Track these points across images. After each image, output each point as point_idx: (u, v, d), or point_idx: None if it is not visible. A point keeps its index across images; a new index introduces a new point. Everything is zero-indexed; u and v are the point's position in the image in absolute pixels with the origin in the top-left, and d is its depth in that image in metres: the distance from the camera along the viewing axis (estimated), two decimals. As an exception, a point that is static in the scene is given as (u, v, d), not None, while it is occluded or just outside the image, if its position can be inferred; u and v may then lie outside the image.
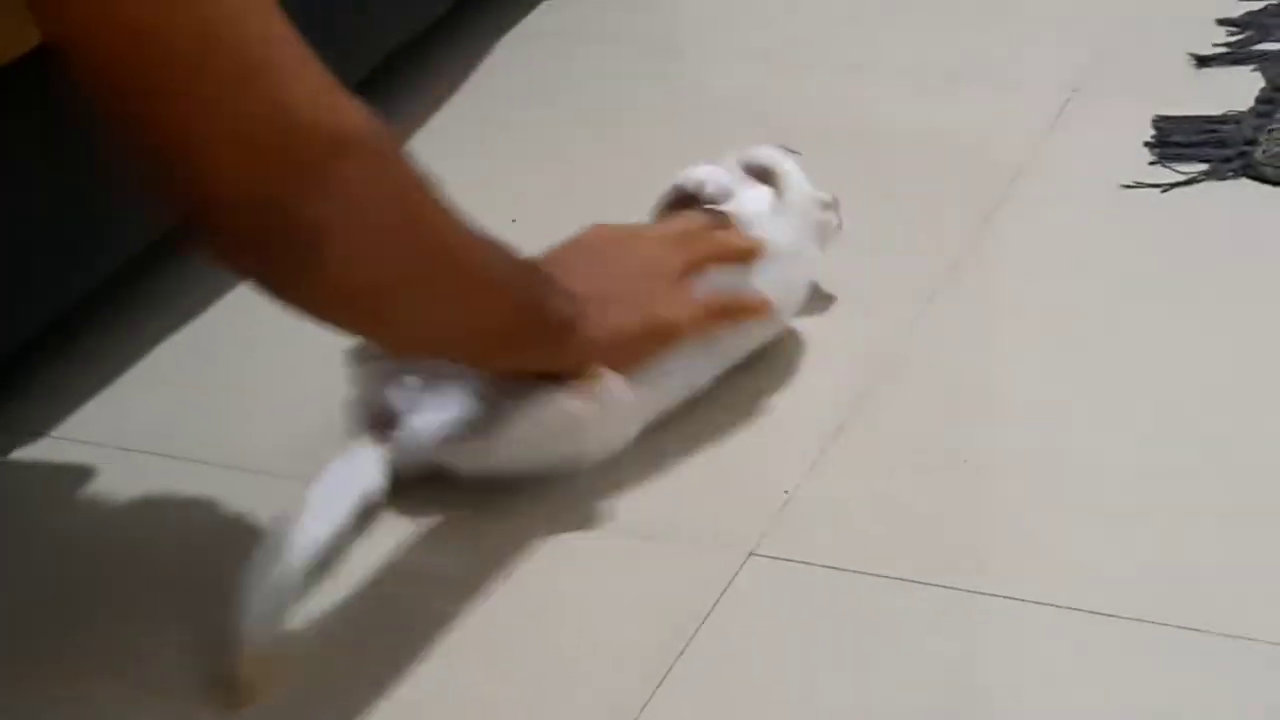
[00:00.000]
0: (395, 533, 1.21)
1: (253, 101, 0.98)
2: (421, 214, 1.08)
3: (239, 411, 1.28)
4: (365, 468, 1.20)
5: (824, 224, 1.37)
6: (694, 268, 1.27)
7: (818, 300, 1.40)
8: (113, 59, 0.96)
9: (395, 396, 1.23)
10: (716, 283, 1.28)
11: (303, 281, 1.04)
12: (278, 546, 1.13)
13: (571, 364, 1.20)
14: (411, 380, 1.23)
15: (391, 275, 1.06)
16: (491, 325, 1.15)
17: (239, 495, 1.24)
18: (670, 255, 1.28)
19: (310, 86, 1.01)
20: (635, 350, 1.23)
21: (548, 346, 1.19)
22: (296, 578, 1.12)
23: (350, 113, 1.02)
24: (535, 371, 1.20)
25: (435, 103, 1.74)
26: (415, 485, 1.23)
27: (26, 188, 1.28)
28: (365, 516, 1.19)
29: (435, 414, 1.22)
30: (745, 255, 1.30)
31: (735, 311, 1.29)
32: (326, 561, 1.16)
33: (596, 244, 1.29)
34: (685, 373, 1.28)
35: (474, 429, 1.21)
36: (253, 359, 1.39)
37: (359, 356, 1.22)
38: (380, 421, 1.22)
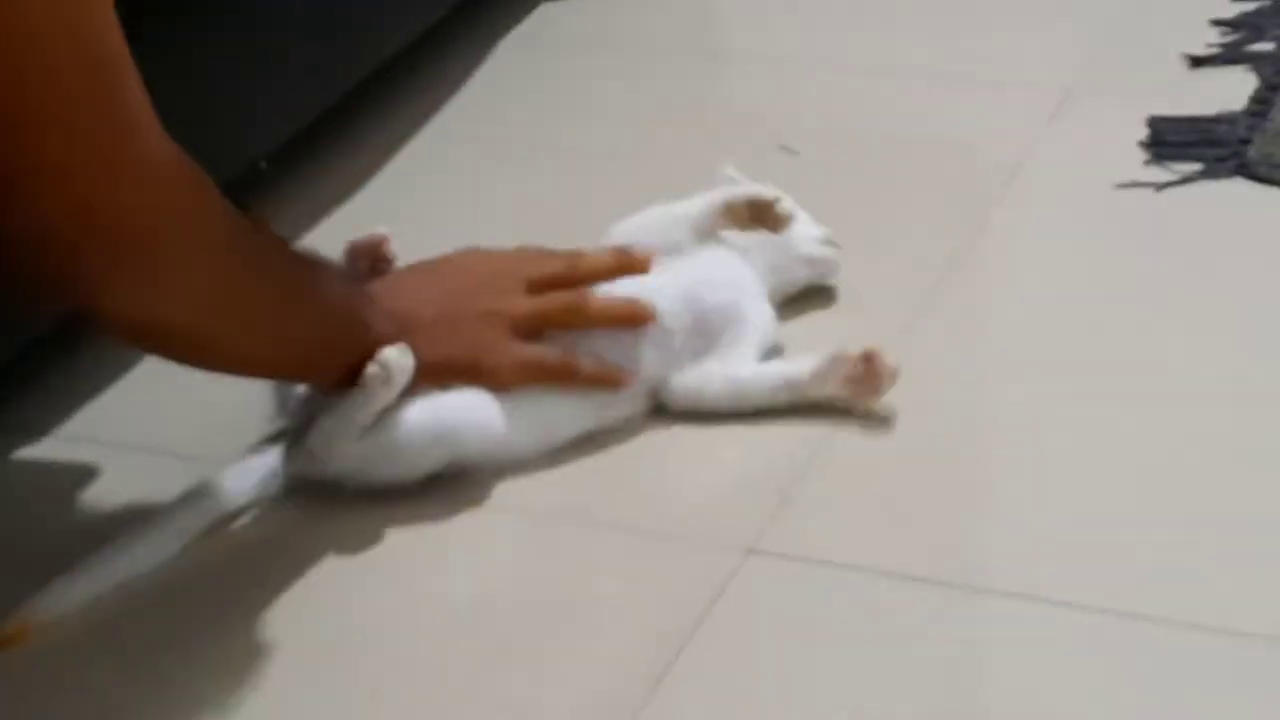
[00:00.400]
0: (389, 531, 1.22)
1: (92, 143, 0.98)
2: (234, 251, 1.09)
3: (239, 411, 1.28)
4: (244, 477, 1.22)
5: (824, 260, 1.39)
6: (540, 318, 1.25)
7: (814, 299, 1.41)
8: None
9: (302, 405, 1.24)
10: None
11: (100, 316, 1.06)
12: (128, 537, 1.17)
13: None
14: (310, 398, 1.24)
15: (188, 311, 1.08)
16: (303, 349, 1.16)
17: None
18: (514, 275, 1.26)
19: (146, 139, 1.01)
20: (450, 381, 1.21)
21: (358, 366, 1.19)
22: (115, 569, 1.16)
23: (176, 162, 1.03)
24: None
25: (436, 104, 1.74)
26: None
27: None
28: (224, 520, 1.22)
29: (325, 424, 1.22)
30: (618, 318, 1.27)
31: (564, 376, 1.25)
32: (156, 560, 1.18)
33: (445, 265, 1.29)
34: (540, 417, 1.26)
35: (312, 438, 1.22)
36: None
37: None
38: (293, 428, 1.24)
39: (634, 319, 1.27)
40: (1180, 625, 1.11)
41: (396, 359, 1.18)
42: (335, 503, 1.23)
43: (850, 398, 1.27)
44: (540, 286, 1.27)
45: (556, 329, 1.26)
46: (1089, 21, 1.81)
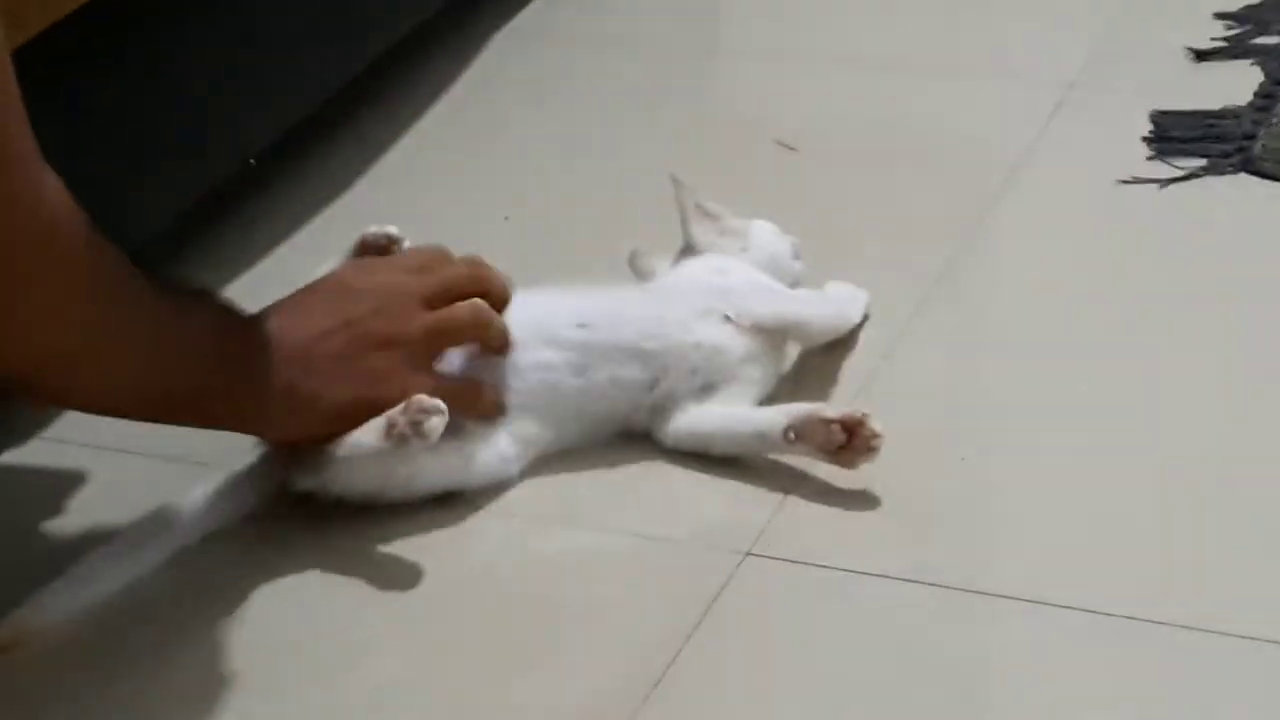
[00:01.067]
0: (381, 536, 1.21)
1: None
2: (99, 282, 1.07)
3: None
4: (224, 493, 1.20)
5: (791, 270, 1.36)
6: (441, 335, 1.22)
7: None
8: None
9: None
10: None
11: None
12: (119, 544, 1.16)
13: (285, 430, 1.18)
14: None
15: (60, 349, 1.07)
16: (178, 385, 1.14)
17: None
18: (411, 285, 1.22)
19: (14, 176, 1.01)
20: (353, 420, 1.18)
21: (249, 410, 1.17)
22: (109, 578, 1.15)
23: (44, 198, 1.02)
24: (267, 435, 1.20)
25: (429, 99, 1.73)
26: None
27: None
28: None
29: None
30: (488, 336, 1.23)
31: (460, 405, 1.20)
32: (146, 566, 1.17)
33: (338, 284, 1.24)
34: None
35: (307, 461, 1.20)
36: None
37: None
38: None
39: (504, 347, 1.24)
40: (1183, 629, 1.10)
41: (438, 427, 1.15)
42: (324, 508, 1.21)
43: (827, 460, 1.22)
44: (442, 298, 1.23)
45: (459, 343, 1.23)
46: (1092, 15, 1.81)
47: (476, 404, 1.22)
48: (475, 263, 1.26)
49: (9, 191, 1.01)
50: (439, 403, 1.15)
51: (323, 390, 1.17)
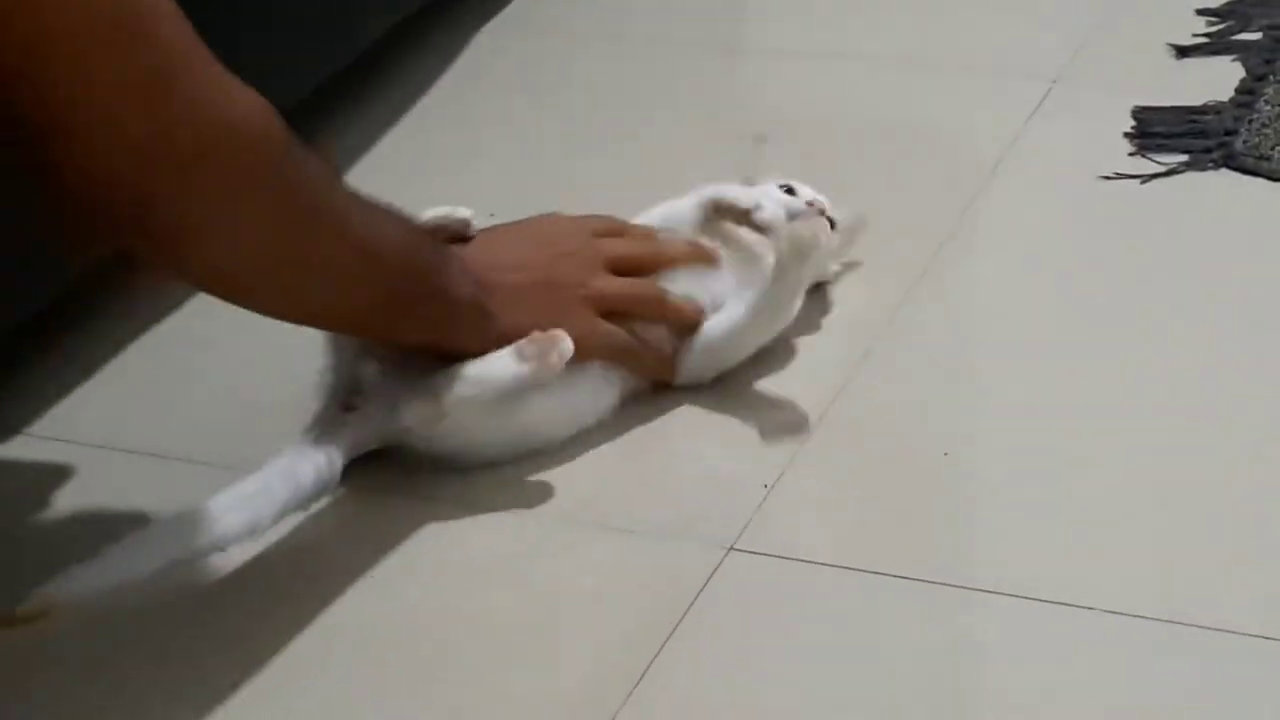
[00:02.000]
0: (367, 533, 1.21)
1: (135, 90, 0.98)
2: (297, 198, 1.08)
3: (210, 409, 1.28)
4: (296, 470, 1.19)
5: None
6: (621, 301, 1.26)
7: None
8: None
9: (364, 371, 1.23)
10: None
11: (173, 265, 1.06)
12: (154, 531, 1.15)
13: (472, 343, 1.20)
14: (381, 357, 1.22)
15: (263, 260, 1.07)
16: (377, 299, 1.15)
17: (210, 491, 1.22)
18: (596, 251, 1.27)
19: (196, 80, 1.01)
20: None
21: (442, 321, 1.19)
22: (143, 564, 1.13)
23: (235, 104, 1.03)
24: (436, 348, 1.20)
25: (416, 92, 1.73)
26: (385, 476, 1.23)
27: (3, 190, 1.27)
28: (289, 509, 1.19)
29: (397, 389, 1.22)
30: (673, 314, 1.28)
31: (639, 362, 1.27)
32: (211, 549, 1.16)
33: (527, 230, 1.29)
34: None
35: (428, 393, 1.21)
36: (223, 357, 1.38)
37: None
38: (347, 394, 1.23)
39: (694, 325, 1.29)
40: (1166, 622, 1.10)
41: (567, 352, 1.19)
42: (310, 506, 1.22)
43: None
44: (620, 266, 1.28)
45: (632, 316, 1.27)
46: (1075, 11, 1.81)
47: (647, 362, 1.27)
48: (652, 236, 1.31)
49: (190, 96, 1.00)
50: (563, 334, 1.19)
51: (504, 313, 1.20)
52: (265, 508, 1.17)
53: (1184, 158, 1.56)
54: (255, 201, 1.05)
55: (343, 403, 1.23)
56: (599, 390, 1.27)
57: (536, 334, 1.20)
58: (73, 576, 1.12)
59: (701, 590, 1.15)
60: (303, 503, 1.19)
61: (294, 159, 1.07)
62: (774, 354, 1.34)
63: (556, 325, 1.21)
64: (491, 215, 1.41)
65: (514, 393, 1.21)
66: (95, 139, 0.99)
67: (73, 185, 1.01)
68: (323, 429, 1.22)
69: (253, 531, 1.16)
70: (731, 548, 1.18)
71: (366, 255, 1.14)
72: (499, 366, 1.20)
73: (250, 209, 1.05)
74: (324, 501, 1.22)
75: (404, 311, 1.18)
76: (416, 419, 1.21)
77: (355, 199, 1.14)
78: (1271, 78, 1.66)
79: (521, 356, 1.20)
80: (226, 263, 1.06)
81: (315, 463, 1.19)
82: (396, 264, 1.16)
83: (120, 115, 0.98)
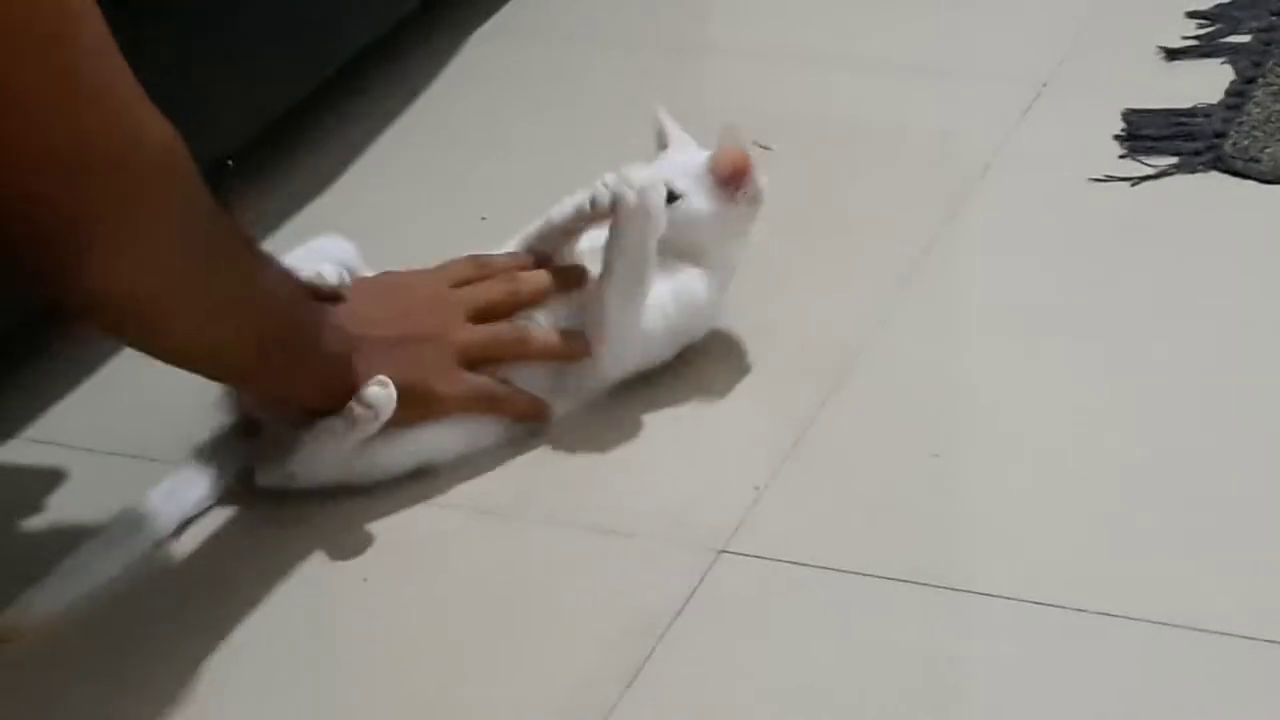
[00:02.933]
0: (352, 533, 1.21)
1: (59, 92, 0.99)
2: (196, 228, 1.09)
3: (200, 414, 1.28)
4: (193, 484, 1.23)
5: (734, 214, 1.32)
6: (486, 349, 1.26)
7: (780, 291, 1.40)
8: None
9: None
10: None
11: (68, 283, 1.05)
12: (106, 538, 1.18)
13: (338, 399, 1.20)
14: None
15: (160, 282, 1.08)
16: (252, 345, 1.16)
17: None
18: (457, 302, 1.27)
19: (119, 95, 1.02)
20: (399, 408, 1.21)
21: (312, 375, 1.20)
22: (95, 572, 1.17)
23: (152, 125, 1.04)
24: (302, 404, 1.21)
25: (406, 100, 1.73)
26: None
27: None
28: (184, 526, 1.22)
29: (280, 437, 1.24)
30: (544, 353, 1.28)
31: (505, 408, 1.27)
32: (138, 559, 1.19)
33: (388, 287, 1.29)
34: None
35: (277, 460, 1.23)
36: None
37: None
38: (246, 425, 1.26)
39: (571, 355, 1.28)
40: (1157, 624, 1.10)
41: (383, 398, 1.19)
42: (295, 505, 1.22)
43: None
44: (482, 314, 1.28)
45: (499, 362, 1.27)
46: (1064, 14, 1.81)
47: (515, 410, 1.27)
48: (511, 278, 1.30)
49: (112, 108, 1.01)
50: (386, 387, 1.19)
51: (370, 371, 1.20)
52: (189, 501, 1.22)
53: (1173, 160, 1.56)
54: (158, 222, 1.05)
55: (244, 428, 1.26)
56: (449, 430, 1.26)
57: (357, 393, 1.20)
58: (33, 596, 1.14)
59: (692, 593, 1.15)
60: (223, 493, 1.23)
61: (199, 191, 1.08)
62: (764, 352, 1.34)
63: (425, 380, 1.23)
64: (483, 218, 1.42)
65: (354, 451, 1.21)
66: (14, 137, 0.99)
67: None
68: (216, 449, 1.25)
69: (180, 524, 1.20)
70: (722, 550, 1.18)
71: (254, 296, 1.15)
72: (330, 432, 1.20)
73: (152, 229, 1.05)
74: (318, 501, 1.22)
75: (282, 360, 1.18)
76: (269, 482, 1.24)
77: (250, 245, 1.16)
78: (1261, 80, 1.66)
79: (348, 419, 1.20)
80: (121, 283, 1.06)
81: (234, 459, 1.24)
82: (281, 311, 1.17)
83: (41, 117, 0.99)
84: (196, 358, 1.16)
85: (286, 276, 1.20)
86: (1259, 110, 1.61)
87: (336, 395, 1.20)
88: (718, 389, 1.32)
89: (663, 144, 1.36)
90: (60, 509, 1.25)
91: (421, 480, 1.25)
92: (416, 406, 1.22)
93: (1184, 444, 1.25)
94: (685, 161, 1.32)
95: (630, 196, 1.25)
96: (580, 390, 1.29)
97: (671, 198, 1.29)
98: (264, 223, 1.52)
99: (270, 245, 1.49)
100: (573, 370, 1.29)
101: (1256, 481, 1.22)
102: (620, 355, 1.29)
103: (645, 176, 1.27)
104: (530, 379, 1.28)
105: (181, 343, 1.13)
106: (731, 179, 1.29)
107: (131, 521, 1.20)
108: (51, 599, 1.15)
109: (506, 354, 1.27)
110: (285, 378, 1.20)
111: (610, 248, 1.27)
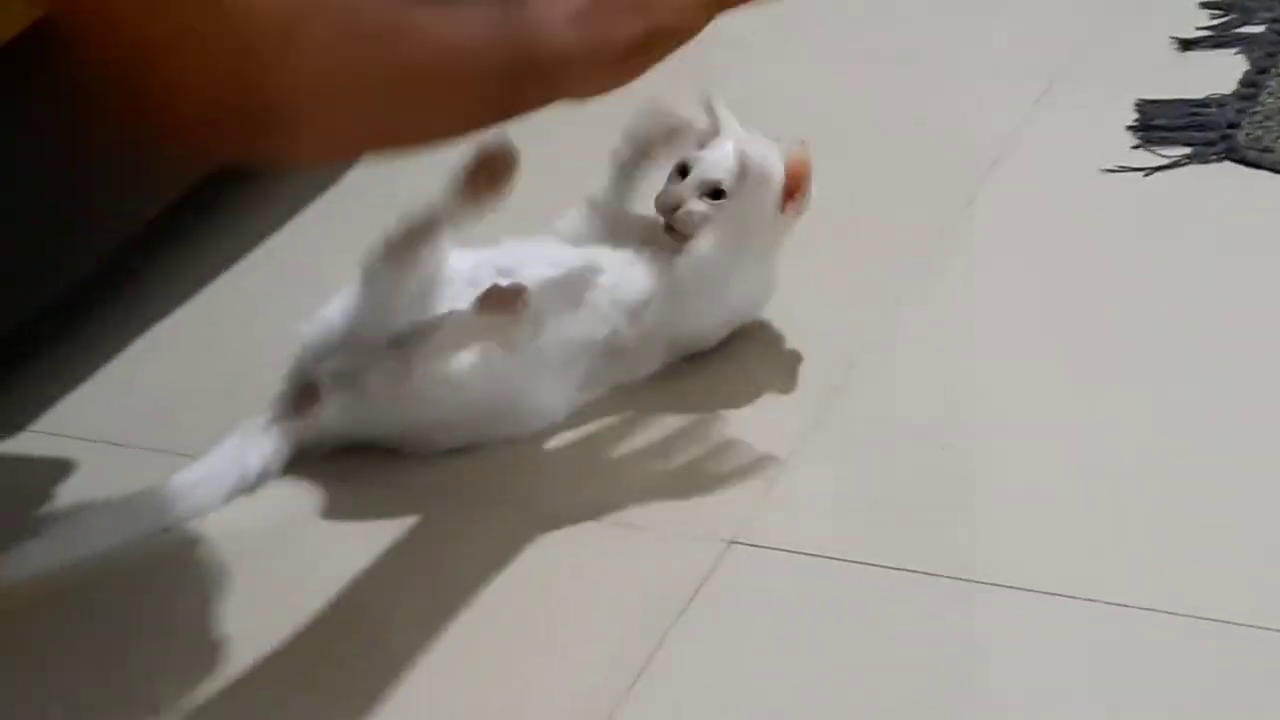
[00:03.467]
0: (362, 524, 1.21)
1: (205, 5, 0.98)
2: (382, 44, 1.07)
3: (210, 405, 1.28)
4: (248, 451, 1.23)
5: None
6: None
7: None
8: None
9: (321, 373, 1.25)
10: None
11: (286, 149, 1.05)
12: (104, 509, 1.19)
13: (577, 87, 1.19)
14: (338, 358, 1.25)
15: (366, 112, 1.06)
16: (478, 102, 1.14)
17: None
18: None
19: None
20: (641, 60, 1.22)
21: (542, 86, 1.17)
22: (93, 542, 1.17)
23: None
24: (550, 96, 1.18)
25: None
26: (379, 471, 1.24)
27: (6, 188, 1.28)
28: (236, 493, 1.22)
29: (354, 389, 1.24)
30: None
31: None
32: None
33: None
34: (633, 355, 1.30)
35: (390, 379, 1.24)
36: (223, 355, 1.38)
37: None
38: (305, 396, 1.25)
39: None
40: (1169, 614, 1.10)
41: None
42: (305, 491, 1.22)
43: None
44: None
45: None
46: (1077, 4, 1.81)
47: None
48: None
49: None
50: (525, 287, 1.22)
51: (608, 31, 1.19)
52: (213, 492, 1.21)
53: (1187, 150, 1.56)
54: (344, 65, 1.04)
55: (295, 403, 1.25)
56: (559, 378, 1.28)
57: (495, 286, 1.22)
58: (22, 553, 1.14)
59: (703, 584, 1.15)
60: (248, 488, 1.22)
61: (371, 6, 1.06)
62: (776, 344, 1.34)
63: (657, 19, 1.23)
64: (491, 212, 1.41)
65: (478, 360, 1.23)
66: (183, 58, 0.99)
67: (165, 111, 1.01)
68: (273, 420, 1.25)
69: (199, 514, 1.20)
70: (732, 541, 1.18)
71: (465, 69, 1.11)
72: (459, 327, 1.22)
73: (342, 74, 1.04)
74: (320, 500, 1.22)
75: (507, 96, 1.15)
76: (384, 381, 1.23)
77: (434, 14, 1.11)
78: (1274, 70, 1.66)
79: (482, 309, 1.22)
80: (332, 130, 1.05)
81: (261, 450, 1.23)
82: (495, 60, 1.13)
83: (202, 27, 0.98)
84: (426, 143, 1.13)
85: (484, 16, 1.14)
86: (1273, 100, 1.61)
87: (571, 84, 1.18)
88: (729, 379, 1.32)
89: (714, 131, 1.36)
90: (71, 500, 1.25)
91: (429, 471, 1.24)
92: (662, 46, 1.23)
93: (1199, 434, 1.25)
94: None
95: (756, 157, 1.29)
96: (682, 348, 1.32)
97: (717, 194, 1.31)
98: (267, 223, 1.52)
99: (290, 230, 1.51)
100: (684, 335, 1.31)
101: (1272, 472, 1.21)
102: (716, 310, 1.32)
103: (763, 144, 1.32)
104: (650, 348, 1.31)
105: (400, 141, 1.12)
106: (792, 188, 1.31)
107: (141, 500, 1.20)
108: (34, 562, 1.15)
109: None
110: (517, 102, 1.16)
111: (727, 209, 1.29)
